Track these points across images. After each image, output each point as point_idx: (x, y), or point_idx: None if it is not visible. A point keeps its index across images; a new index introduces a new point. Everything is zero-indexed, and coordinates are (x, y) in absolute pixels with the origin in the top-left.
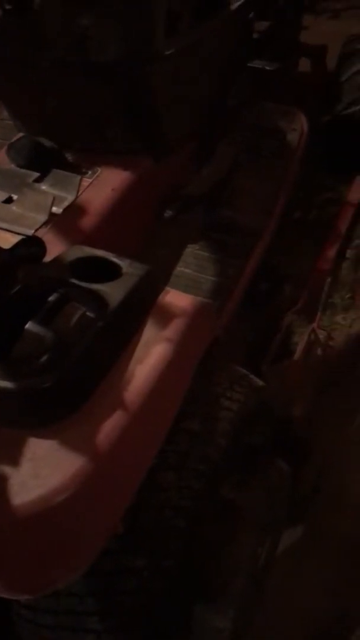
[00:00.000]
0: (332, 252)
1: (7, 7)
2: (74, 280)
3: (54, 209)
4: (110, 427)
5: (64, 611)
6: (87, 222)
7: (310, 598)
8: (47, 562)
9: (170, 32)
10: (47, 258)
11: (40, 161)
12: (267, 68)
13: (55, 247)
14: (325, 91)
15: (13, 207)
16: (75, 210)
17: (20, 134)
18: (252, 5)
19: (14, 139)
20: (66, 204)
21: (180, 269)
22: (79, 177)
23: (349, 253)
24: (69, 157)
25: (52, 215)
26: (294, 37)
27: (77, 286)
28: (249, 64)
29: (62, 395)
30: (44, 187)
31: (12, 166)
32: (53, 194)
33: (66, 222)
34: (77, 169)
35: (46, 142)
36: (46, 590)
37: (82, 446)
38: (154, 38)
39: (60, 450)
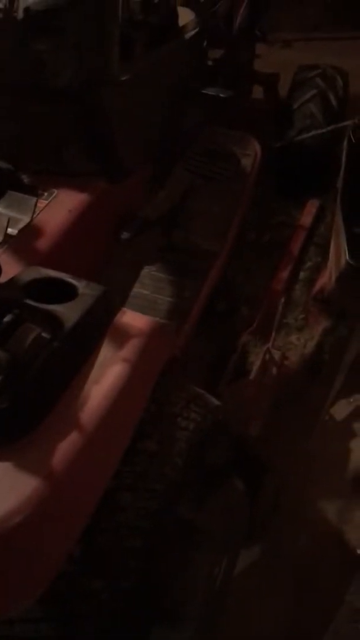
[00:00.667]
0: (285, 274)
1: None
2: (29, 301)
3: (9, 231)
4: (65, 448)
5: (19, 639)
6: (44, 243)
7: (269, 619)
8: (2, 587)
9: (125, 58)
10: (3, 279)
11: None
12: (221, 95)
13: (10, 268)
14: (278, 118)
15: None
16: (31, 231)
17: None
18: (206, 34)
19: None
20: (21, 225)
21: (137, 290)
22: (34, 199)
23: (301, 274)
24: (25, 178)
25: (7, 236)
26: (247, 65)
27: (32, 307)
28: (202, 91)
29: (17, 417)
30: None
31: None
32: (8, 216)
33: (22, 243)
34: (34, 190)
35: (1, 164)
36: None
37: (37, 468)
38: (108, 64)
39: (15, 471)
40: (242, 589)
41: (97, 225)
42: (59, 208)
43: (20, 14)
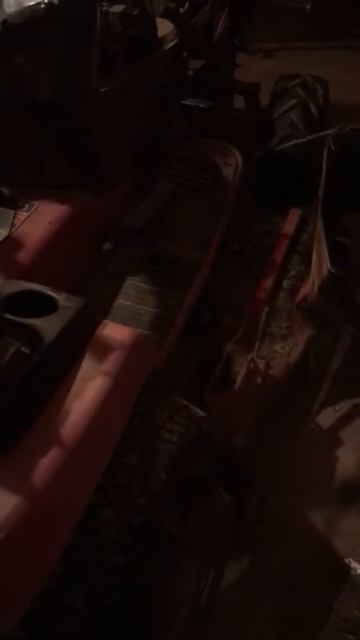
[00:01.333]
0: (269, 282)
1: None
2: (8, 315)
3: None
4: (47, 463)
5: None
6: (24, 255)
7: (257, 631)
8: None
9: (105, 70)
10: None
11: None
12: (201, 106)
13: None
14: (259, 127)
15: None
16: (11, 244)
17: None
18: (186, 45)
19: None
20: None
21: (120, 301)
22: (12, 211)
23: (285, 283)
24: (5, 190)
25: None
26: (228, 75)
27: (11, 321)
28: (183, 102)
29: None
30: None
31: None
32: None
33: (1, 256)
34: (14, 202)
35: None
36: None
37: (18, 484)
38: (88, 76)
39: None
40: (229, 601)
41: (78, 237)
42: (39, 220)
43: None
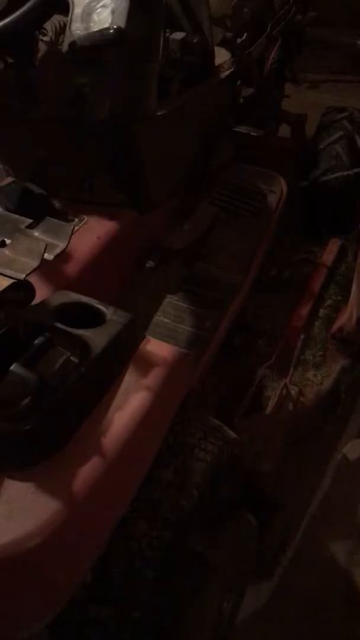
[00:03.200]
0: (305, 310)
1: (10, 60)
2: (59, 325)
3: (46, 256)
4: (86, 473)
5: None
6: (73, 268)
7: None
8: (12, 609)
9: (161, 95)
10: (35, 302)
11: (30, 207)
12: (252, 134)
13: (43, 292)
14: (303, 158)
15: (6, 251)
16: (62, 256)
17: (9, 179)
18: (240, 74)
19: (3, 183)
20: (57, 251)
21: (158, 318)
22: (71, 225)
23: (321, 312)
24: (57, 204)
25: (43, 261)
26: (276, 105)
27: (62, 330)
28: (234, 129)
29: (41, 439)
30: (36, 233)
31: (1, 210)
32: (46, 241)
33: (55, 267)
34: (64, 216)
35: (35, 189)
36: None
37: (57, 491)
38: (146, 100)
39: (36, 494)
40: (247, 627)
41: (123, 253)
42: (88, 234)
43: (65, 47)
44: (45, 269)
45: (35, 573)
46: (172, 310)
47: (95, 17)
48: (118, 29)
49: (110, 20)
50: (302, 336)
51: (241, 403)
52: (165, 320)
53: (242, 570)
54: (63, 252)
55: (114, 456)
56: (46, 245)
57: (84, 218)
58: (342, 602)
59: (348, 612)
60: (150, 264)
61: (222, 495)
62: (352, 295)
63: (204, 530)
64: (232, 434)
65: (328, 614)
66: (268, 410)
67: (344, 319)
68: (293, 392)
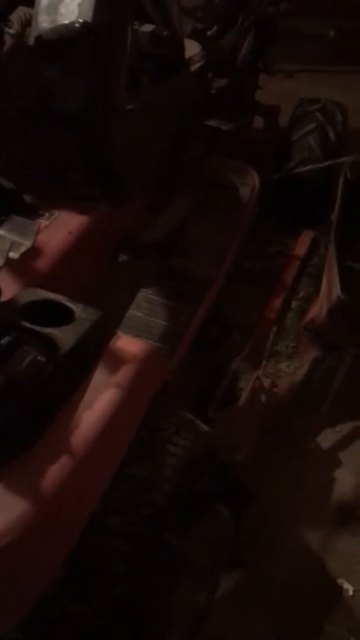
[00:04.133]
0: (278, 303)
1: None
2: (26, 324)
3: (11, 254)
4: (56, 471)
5: None
6: (43, 264)
7: None
8: None
9: (132, 88)
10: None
11: (0, 202)
12: (223, 128)
13: (10, 290)
14: (277, 149)
15: None
16: (31, 252)
17: None
18: (211, 66)
19: None
20: (23, 249)
21: (132, 312)
22: (37, 223)
23: (294, 304)
24: (27, 198)
25: (8, 260)
26: (249, 97)
27: (29, 330)
28: (206, 123)
29: (8, 438)
30: (1, 232)
31: None
32: (10, 240)
33: (22, 265)
34: (35, 210)
35: (5, 184)
36: None
37: (26, 490)
38: (115, 92)
39: (4, 493)
40: (221, 618)
41: (96, 248)
42: (59, 229)
43: (31, 40)
44: (12, 267)
45: (5, 571)
46: (146, 305)
47: (62, 9)
48: (85, 22)
49: (77, 13)
50: (275, 328)
51: (215, 395)
52: (139, 314)
53: (216, 561)
54: (29, 250)
55: (83, 454)
56: (11, 243)
57: (55, 212)
58: (317, 588)
59: (322, 598)
60: (124, 258)
61: (195, 488)
62: (322, 289)
63: (177, 524)
64: (205, 428)
65: (303, 599)
66: (241, 402)
67: (315, 311)
68: (266, 384)
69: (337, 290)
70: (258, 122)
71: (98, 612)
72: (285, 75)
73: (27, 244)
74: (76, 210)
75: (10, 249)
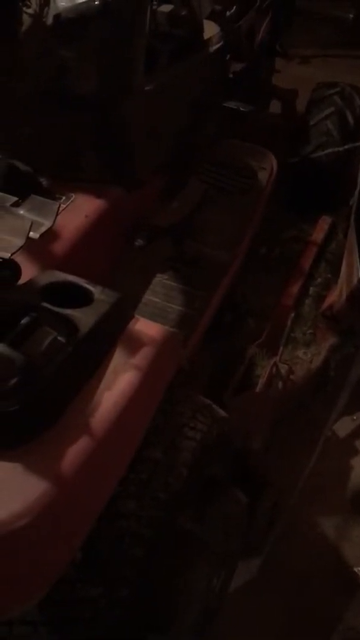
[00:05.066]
0: (295, 289)
1: None
2: (46, 305)
3: (31, 234)
4: (74, 453)
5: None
6: (61, 247)
7: (263, 634)
8: (2, 588)
9: (149, 69)
10: (21, 282)
11: (16, 185)
12: (242, 109)
13: (30, 271)
14: (294, 133)
15: None
16: (49, 234)
17: None
18: (229, 48)
19: None
20: (43, 229)
21: (147, 297)
22: (57, 203)
23: (311, 290)
24: (44, 182)
25: (28, 239)
26: (266, 80)
27: (49, 310)
28: (224, 104)
29: (28, 419)
30: (22, 211)
31: None
32: (31, 219)
33: (41, 246)
34: (51, 194)
35: (21, 166)
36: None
37: (45, 471)
38: (132, 74)
39: (24, 474)
40: (237, 603)
41: (112, 231)
42: (76, 212)
43: (49, 20)
44: (32, 247)
45: (24, 552)
46: (161, 289)
47: None
48: (103, 1)
49: None
50: (292, 314)
51: (231, 381)
52: (155, 299)
53: (231, 546)
54: (49, 230)
55: (102, 436)
56: (32, 223)
57: (72, 196)
58: (332, 575)
59: (337, 585)
60: (139, 242)
61: (212, 473)
62: (341, 274)
63: (193, 508)
64: (221, 413)
65: (318, 586)
66: (258, 388)
67: (333, 297)
68: (283, 371)
69: (357, 275)
70: (275, 106)
71: (113, 595)
72: (302, 60)
73: (47, 224)
74: (92, 193)
75: (30, 229)
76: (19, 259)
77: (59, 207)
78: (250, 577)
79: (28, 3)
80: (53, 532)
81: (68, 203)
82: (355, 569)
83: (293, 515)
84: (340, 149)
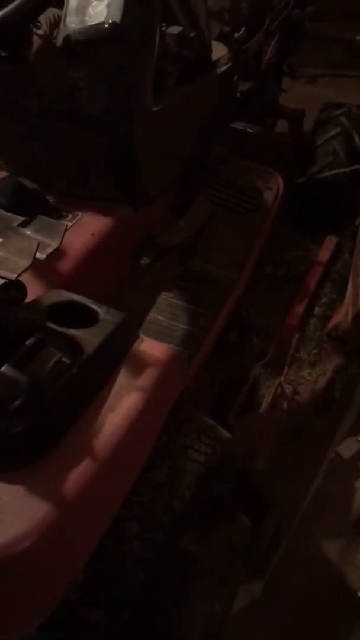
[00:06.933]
0: (300, 308)
1: (3, 54)
2: (51, 325)
3: (38, 255)
4: (77, 475)
5: None
6: (66, 265)
7: None
8: (2, 611)
9: (157, 90)
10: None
11: (23, 203)
12: (249, 130)
13: (35, 290)
14: (301, 153)
15: None
16: (56, 253)
17: (2, 173)
18: (237, 69)
19: None
20: (50, 250)
21: (153, 315)
22: (64, 225)
23: (316, 310)
24: (51, 199)
25: (35, 260)
26: (274, 100)
27: (53, 330)
28: (231, 125)
29: (31, 441)
30: (28, 232)
31: None
32: (38, 240)
33: (47, 266)
34: (58, 212)
35: (28, 184)
36: None
37: (48, 493)
38: (141, 95)
39: (26, 496)
40: (238, 625)
41: (118, 250)
42: (82, 231)
43: (59, 42)
44: (38, 267)
45: (25, 575)
46: (166, 308)
47: (90, 10)
48: (113, 24)
49: (105, 14)
50: (297, 334)
51: (235, 401)
52: (160, 317)
53: (234, 569)
54: (55, 251)
55: (105, 458)
56: (38, 244)
57: (78, 214)
58: (334, 598)
59: (340, 608)
60: (145, 260)
61: (215, 495)
62: (347, 294)
63: (196, 530)
64: (226, 434)
65: (321, 610)
66: (262, 408)
67: (339, 317)
68: (287, 391)
69: None
70: (282, 126)
71: (115, 618)
72: (309, 80)
73: (53, 244)
74: (98, 212)
75: (37, 250)
76: (25, 278)
77: (66, 229)
78: (252, 598)
79: (39, 24)
80: (55, 554)
81: (74, 221)
82: (359, 594)
83: (296, 537)
84: (347, 169)
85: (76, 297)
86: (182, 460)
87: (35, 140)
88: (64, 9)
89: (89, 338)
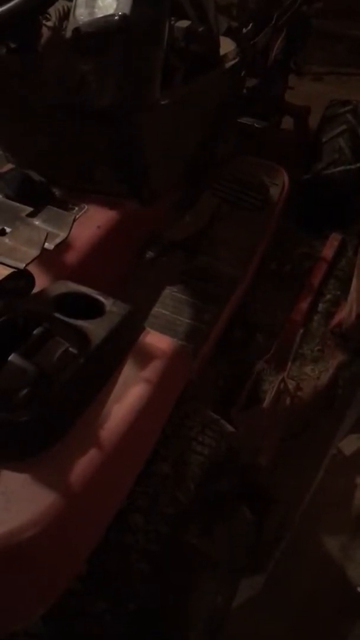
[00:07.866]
0: (304, 305)
1: (12, 45)
2: (58, 315)
3: (46, 245)
4: (84, 465)
5: None
6: (73, 257)
7: None
8: (7, 601)
9: (165, 84)
10: (34, 292)
11: (30, 195)
12: (256, 125)
13: (43, 281)
14: (306, 150)
15: (6, 240)
16: (63, 244)
17: (9, 165)
18: (245, 64)
19: (3, 170)
20: (58, 240)
21: (157, 309)
22: (72, 215)
23: (320, 307)
24: (57, 192)
25: (43, 250)
26: (280, 97)
27: (61, 321)
28: (238, 120)
29: (39, 430)
30: (37, 222)
31: (1, 198)
32: (46, 230)
33: (55, 257)
34: (65, 204)
35: (35, 176)
36: (3, 630)
37: (54, 483)
38: (149, 89)
39: (32, 485)
40: (240, 620)
41: (124, 243)
42: (88, 223)
43: (68, 34)
44: (46, 258)
45: (30, 564)
46: (171, 302)
47: (99, 2)
48: (123, 16)
49: (115, 7)
50: (300, 330)
51: (239, 396)
52: (164, 312)
53: (237, 563)
54: (64, 241)
55: (111, 448)
56: (47, 234)
57: (85, 207)
58: (337, 595)
59: (342, 605)
60: (150, 254)
61: (219, 489)
62: (351, 291)
63: (200, 524)
64: (230, 428)
65: (323, 606)
66: (265, 404)
67: (343, 314)
68: (290, 387)
69: None
70: (288, 123)
71: (119, 609)
72: (315, 77)
73: (62, 235)
74: (105, 204)
75: (46, 240)
76: (33, 269)
77: (74, 219)
78: (253, 594)
79: (48, 16)
80: (60, 544)
81: (81, 213)
82: (359, 589)
83: (298, 533)
84: (352, 166)
85: (83, 289)
86: (186, 452)
87: (42, 133)
88: (74, 0)
89: (96, 329)
